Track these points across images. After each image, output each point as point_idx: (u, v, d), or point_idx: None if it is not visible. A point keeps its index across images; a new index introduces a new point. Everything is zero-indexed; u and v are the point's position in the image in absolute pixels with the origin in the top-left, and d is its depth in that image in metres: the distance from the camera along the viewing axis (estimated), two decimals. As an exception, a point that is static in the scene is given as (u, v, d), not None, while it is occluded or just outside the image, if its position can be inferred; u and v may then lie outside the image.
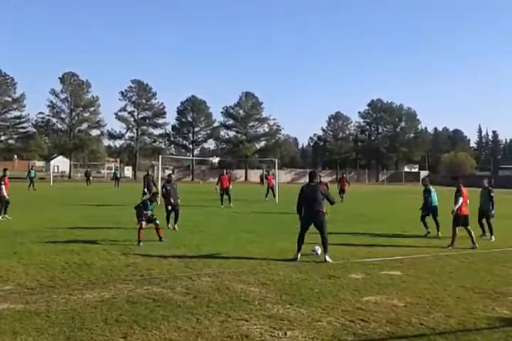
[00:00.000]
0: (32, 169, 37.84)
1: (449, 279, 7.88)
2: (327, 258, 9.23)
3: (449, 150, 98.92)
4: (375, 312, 5.91)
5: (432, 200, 14.21)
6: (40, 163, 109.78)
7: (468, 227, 11.58)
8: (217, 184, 23.41)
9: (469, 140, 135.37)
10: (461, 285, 7.47)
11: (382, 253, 10.19)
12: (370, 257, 9.73)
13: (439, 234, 13.41)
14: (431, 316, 5.81)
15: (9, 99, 65.54)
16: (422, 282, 7.63)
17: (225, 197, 22.68)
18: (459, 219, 11.62)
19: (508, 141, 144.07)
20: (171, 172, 22.06)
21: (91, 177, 47.04)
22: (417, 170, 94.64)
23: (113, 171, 54.06)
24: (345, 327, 5.34)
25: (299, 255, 9.44)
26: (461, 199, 11.73)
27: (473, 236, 11.50)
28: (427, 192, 14.35)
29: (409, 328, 5.35)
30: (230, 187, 23.01)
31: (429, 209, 14.18)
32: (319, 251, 9.59)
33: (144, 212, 11.38)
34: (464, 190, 11.99)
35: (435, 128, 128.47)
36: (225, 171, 24.56)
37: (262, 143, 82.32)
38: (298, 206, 9.70)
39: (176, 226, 13.84)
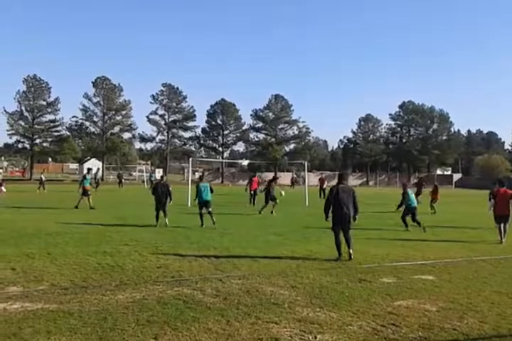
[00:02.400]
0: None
1: (482, 284, 7.72)
2: (351, 252, 9.68)
3: (483, 152, 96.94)
4: (406, 317, 5.82)
5: (410, 202, 15.36)
6: (73, 166, 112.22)
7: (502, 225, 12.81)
8: (247, 185, 25.38)
9: (504, 142, 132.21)
10: (495, 290, 7.31)
11: (414, 257, 10.05)
12: (402, 261, 9.60)
13: (425, 229, 14.73)
14: (464, 321, 5.70)
15: (44, 103, 67.03)
16: (455, 287, 7.49)
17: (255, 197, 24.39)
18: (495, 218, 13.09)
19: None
20: (163, 174, 23.47)
21: (123, 180, 47.72)
22: (449, 172, 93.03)
23: (147, 174, 54.89)
24: (376, 332, 5.28)
25: (350, 253, 9.72)
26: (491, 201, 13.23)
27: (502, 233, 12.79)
28: (405, 195, 15.51)
29: (442, 334, 5.25)
30: (259, 188, 24.56)
31: (409, 210, 15.35)
32: None
33: None
34: (499, 191, 13.03)
35: (468, 131, 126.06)
36: (255, 174, 26.52)
37: (292, 146, 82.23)
38: (326, 208, 9.87)
39: (166, 220, 14.94)
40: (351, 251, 9.70)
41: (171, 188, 15.56)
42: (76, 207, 20.47)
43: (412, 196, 15.74)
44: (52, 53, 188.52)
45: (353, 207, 9.82)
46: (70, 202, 22.14)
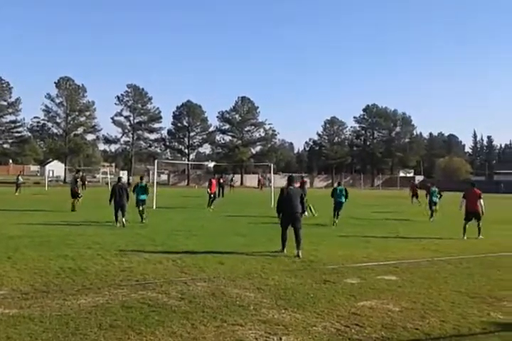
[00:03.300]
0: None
1: (443, 284, 7.89)
2: (300, 253, 10.25)
3: (444, 155, 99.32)
4: (370, 317, 5.90)
5: (338, 198, 18.02)
6: (35, 168, 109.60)
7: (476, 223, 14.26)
8: (208, 188, 24.67)
9: (464, 145, 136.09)
10: (456, 290, 7.48)
11: (377, 258, 10.21)
12: (365, 262, 9.74)
13: (336, 222, 17.18)
14: (426, 321, 5.81)
15: (4, 104, 65.40)
16: (417, 287, 7.63)
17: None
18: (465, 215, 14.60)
19: (502, 146, 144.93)
20: (121, 175, 23.74)
21: (86, 182, 46.91)
22: (412, 174, 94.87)
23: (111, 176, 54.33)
24: (340, 332, 5.33)
25: (285, 250, 10.65)
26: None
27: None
28: (334, 191, 18.36)
29: (405, 333, 5.34)
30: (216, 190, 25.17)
31: (337, 205, 17.89)
32: None
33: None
34: (469, 191, 14.73)
35: (430, 133, 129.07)
36: (216, 176, 27.57)
37: (258, 148, 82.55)
38: (278, 208, 10.95)
39: (124, 220, 15.36)
40: (300, 252, 10.27)
41: (128, 189, 16.36)
42: (73, 210, 20.60)
43: (341, 193, 18.29)
44: (13, 52, 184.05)
45: (301, 207, 10.80)
46: (31, 205, 21.62)
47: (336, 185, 19.97)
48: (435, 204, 20.72)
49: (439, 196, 21.21)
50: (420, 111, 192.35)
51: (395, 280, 8.08)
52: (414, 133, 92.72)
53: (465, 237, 13.84)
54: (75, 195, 21.10)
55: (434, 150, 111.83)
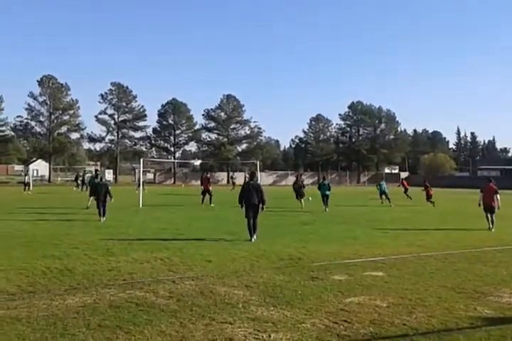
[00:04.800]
0: None
1: (430, 279, 7.97)
2: (254, 237, 12.24)
3: (429, 151, 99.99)
4: (358, 313, 5.95)
5: (323, 191, 22.54)
6: (19, 167, 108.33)
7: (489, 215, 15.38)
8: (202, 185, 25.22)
9: (448, 141, 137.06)
10: (442, 285, 7.56)
11: (364, 254, 10.28)
12: (353, 258, 9.80)
13: (327, 209, 21.86)
14: (413, 316, 5.87)
15: (-13, 103, 64.54)
16: (404, 282, 7.70)
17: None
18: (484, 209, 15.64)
19: (486, 142, 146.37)
20: (100, 174, 23.34)
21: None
22: (397, 171, 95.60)
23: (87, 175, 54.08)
24: (329, 329, 5.36)
25: (253, 238, 12.25)
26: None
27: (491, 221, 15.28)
28: (321, 185, 23.04)
29: (392, 328, 5.39)
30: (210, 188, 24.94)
31: (323, 196, 22.49)
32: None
33: None
34: (486, 186, 15.70)
35: (414, 130, 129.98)
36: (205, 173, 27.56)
37: (244, 146, 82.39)
38: (239, 200, 12.64)
39: (103, 219, 16.21)
40: (255, 236, 12.29)
41: (110, 188, 16.82)
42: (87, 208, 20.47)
43: (325, 186, 22.71)
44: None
45: (261, 200, 12.43)
46: (15, 203, 21.39)
47: (321, 180, 24.18)
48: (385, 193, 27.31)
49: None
50: (404, 108, 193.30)
51: (382, 276, 8.15)
52: (399, 130, 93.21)
53: (492, 228, 15.08)
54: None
55: (419, 147, 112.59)
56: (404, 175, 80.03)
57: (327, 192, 22.39)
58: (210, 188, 24.37)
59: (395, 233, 14.19)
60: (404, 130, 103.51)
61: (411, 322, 5.61)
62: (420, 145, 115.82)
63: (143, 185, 43.51)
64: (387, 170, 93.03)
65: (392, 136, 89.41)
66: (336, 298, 6.69)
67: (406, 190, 32.34)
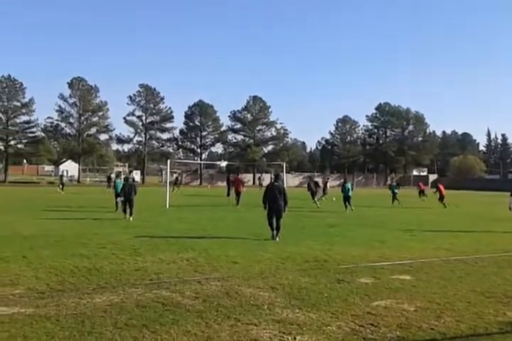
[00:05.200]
0: None
1: (459, 283, 7.82)
2: (277, 239, 12.50)
3: (458, 153, 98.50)
4: (385, 317, 5.87)
5: (346, 192, 23.19)
6: (48, 168, 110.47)
7: None
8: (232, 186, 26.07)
9: (478, 143, 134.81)
10: (471, 289, 7.41)
11: (391, 257, 10.15)
12: (380, 261, 9.69)
13: (349, 210, 22.68)
14: (441, 321, 5.77)
15: (18, 104, 65.93)
16: (432, 286, 7.58)
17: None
18: None
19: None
20: (127, 175, 24.01)
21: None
22: (425, 173, 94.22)
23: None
24: (355, 332, 5.30)
25: (277, 237, 12.58)
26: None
27: None
28: (344, 186, 23.67)
29: (420, 333, 5.31)
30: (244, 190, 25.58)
31: (345, 198, 23.14)
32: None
33: None
34: None
35: (443, 132, 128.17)
36: (234, 174, 28.19)
37: (270, 147, 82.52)
38: (263, 201, 12.91)
39: (130, 218, 16.85)
40: (278, 236, 12.61)
41: (137, 188, 17.96)
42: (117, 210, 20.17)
43: (349, 188, 23.62)
44: (27, 53, 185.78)
45: (283, 201, 12.75)
46: (48, 203, 21.79)
47: (343, 182, 25.35)
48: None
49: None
50: (433, 110, 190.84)
51: (410, 280, 8.03)
52: (428, 132, 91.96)
53: None
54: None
55: (448, 149, 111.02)
56: (432, 177, 78.77)
57: (350, 193, 23.29)
58: (244, 190, 24.59)
59: (422, 236, 13.99)
60: (433, 132, 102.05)
61: (439, 327, 5.52)
62: (449, 147, 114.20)
63: (175, 185, 44.19)
64: (415, 173, 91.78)
65: (420, 138, 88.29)
66: (362, 301, 6.62)
67: (442, 197, 28.16)
